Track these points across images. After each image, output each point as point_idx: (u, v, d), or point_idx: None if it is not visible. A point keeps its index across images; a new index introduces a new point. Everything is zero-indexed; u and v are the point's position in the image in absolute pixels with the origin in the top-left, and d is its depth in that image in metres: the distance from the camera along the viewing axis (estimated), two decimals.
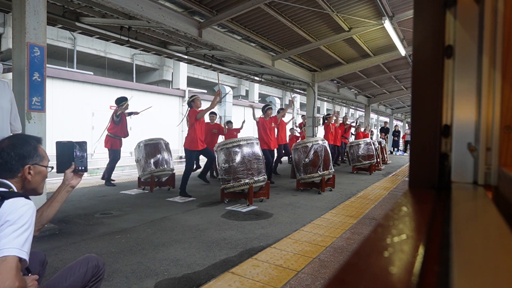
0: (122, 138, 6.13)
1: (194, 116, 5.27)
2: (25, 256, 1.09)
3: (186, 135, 5.44)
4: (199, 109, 5.40)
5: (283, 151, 8.53)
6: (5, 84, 2.73)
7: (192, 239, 3.22)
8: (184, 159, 5.81)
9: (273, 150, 6.86)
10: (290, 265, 2.63)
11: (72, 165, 1.52)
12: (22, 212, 1.12)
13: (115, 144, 6.05)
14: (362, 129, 12.35)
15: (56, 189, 1.52)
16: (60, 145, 1.53)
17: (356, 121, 12.88)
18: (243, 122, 8.27)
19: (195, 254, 2.84)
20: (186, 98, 15.02)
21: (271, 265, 2.63)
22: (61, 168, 1.52)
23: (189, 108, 5.43)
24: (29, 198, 1.20)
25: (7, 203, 1.14)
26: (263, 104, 7.52)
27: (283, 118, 7.69)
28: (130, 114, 6.34)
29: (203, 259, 2.73)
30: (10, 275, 1.03)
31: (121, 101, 6.06)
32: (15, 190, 1.27)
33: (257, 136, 6.38)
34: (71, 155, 1.53)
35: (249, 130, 16.92)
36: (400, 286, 0.28)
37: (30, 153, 1.32)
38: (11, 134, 2.64)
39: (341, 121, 10.35)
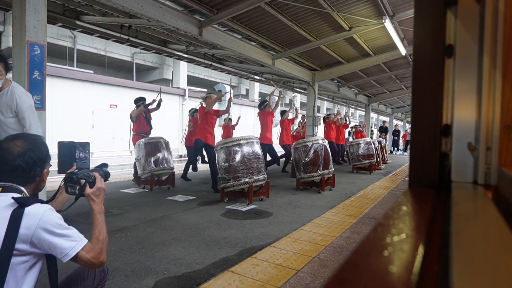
0: (144, 134, 6.37)
1: (203, 111, 5.76)
2: (85, 241, 1.20)
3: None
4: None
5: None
6: (13, 92, 2.60)
7: (192, 238, 3.22)
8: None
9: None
10: (289, 264, 2.63)
11: (74, 166, 1.51)
12: (49, 219, 1.15)
13: None
14: (360, 128, 12.32)
15: (58, 189, 1.52)
16: (62, 145, 1.52)
17: (347, 119, 12.83)
18: (239, 117, 9.04)
19: (194, 253, 2.84)
20: (186, 97, 15.04)
21: (271, 264, 2.63)
22: (62, 169, 1.51)
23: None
24: (43, 202, 1.20)
25: (28, 211, 1.12)
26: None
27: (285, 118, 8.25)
28: (147, 107, 6.45)
29: (202, 258, 2.73)
30: (94, 259, 1.17)
31: (139, 101, 6.36)
32: (27, 194, 1.24)
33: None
34: (73, 156, 1.52)
35: (249, 129, 16.92)
36: (400, 285, 0.28)
37: (47, 156, 1.29)
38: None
39: (345, 122, 10.48)
